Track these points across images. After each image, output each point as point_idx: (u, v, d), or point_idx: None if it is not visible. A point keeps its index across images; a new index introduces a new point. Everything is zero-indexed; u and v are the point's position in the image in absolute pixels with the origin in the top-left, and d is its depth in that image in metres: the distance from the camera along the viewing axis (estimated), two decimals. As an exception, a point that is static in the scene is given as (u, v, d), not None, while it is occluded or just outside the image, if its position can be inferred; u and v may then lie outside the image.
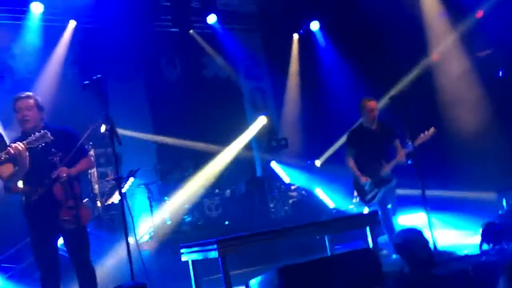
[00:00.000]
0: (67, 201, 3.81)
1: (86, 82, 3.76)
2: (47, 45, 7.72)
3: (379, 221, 3.93)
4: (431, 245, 3.65)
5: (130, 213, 3.73)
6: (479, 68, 7.63)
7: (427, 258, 3.02)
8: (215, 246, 3.25)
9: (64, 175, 3.79)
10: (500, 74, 7.55)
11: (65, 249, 4.16)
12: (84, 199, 6.53)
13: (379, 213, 5.43)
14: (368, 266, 3.19)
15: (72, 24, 7.99)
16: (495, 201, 4.94)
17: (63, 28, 7.96)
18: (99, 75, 3.74)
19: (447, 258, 3.99)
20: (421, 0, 8.21)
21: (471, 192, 6.46)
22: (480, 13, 7.72)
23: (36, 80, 7.55)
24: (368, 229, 3.71)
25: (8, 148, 3.47)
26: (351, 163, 5.65)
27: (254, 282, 3.30)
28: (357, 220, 4.01)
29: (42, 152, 3.76)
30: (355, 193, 8.16)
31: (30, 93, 4.08)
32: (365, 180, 5.52)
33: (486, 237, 4.00)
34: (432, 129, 5.36)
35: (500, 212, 4.71)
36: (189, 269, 3.89)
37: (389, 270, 3.27)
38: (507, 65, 7.30)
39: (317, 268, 3.18)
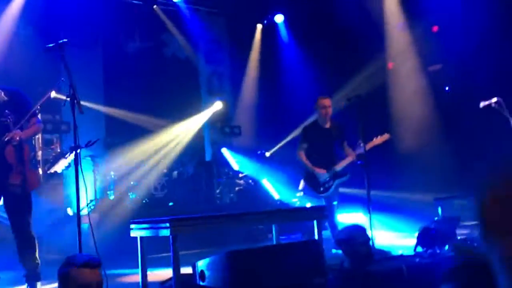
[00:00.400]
0: (17, 166, 3.68)
1: (50, 45, 3.61)
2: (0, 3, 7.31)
3: (326, 215, 4.09)
4: (371, 243, 3.85)
5: (84, 185, 3.63)
6: (430, 82, 8.01)
7: (367, 255, 3.18)
8: (167, 224, 3.26)
9: (17, 138, 3.66)
10: (447, 89, 7.98)
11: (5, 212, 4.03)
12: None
13: (327, 207, 5.65)
14: (313, 257, 3.32)
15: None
16: (432, 207, 5.25)
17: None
18: (65, 39, 3.60)
19: (383, 256, 4.21)
20: (384, 7, 8.48)
21: (411, 194, 6.82)
22: (435, 28, 8.10)
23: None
24: (315, 222, 3.85)
25: None
26: (302, 156, 5.79)
27: (201, 263, 3.34)
28: (306, 213, 4.14)
29: None
30: (300, 186, 8.38)
31: None
32: (321, 172, 5.64)
33: (421, 240, 4.25)
34: (386, 135, 5.61)
35: (435, 218, 5.01)
36: (130, 245, 3.88)
37: (330, 263, 3.42)
38: (455, 81, 7.72)
39: (264, 255, 3.27)
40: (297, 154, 5.87)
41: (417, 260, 4.00)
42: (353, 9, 7.98)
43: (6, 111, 3.69)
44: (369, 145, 5.47)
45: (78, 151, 3.70)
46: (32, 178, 3.80)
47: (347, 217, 6.56)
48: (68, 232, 5.48)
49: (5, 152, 3.68)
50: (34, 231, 4.00)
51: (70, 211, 6.89)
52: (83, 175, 3.43)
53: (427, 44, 8.13)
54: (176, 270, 3.23)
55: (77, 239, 3.39)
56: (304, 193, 6.50)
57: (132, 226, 3.68)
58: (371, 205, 4.91)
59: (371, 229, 4.87)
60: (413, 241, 4.47)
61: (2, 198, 3.93)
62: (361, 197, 5.36)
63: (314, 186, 5.76)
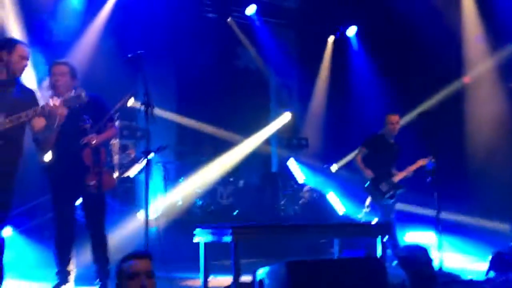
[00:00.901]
0: (94, 167, 3.91)
1: (129, 55, 3.84)
2: (88, 12, 7.84)
3: (391, 233, 3.98)
4: (435, 265, 3.68)
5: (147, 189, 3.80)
6: (510, 98, 7.56)
7: (429, 276, 3.07)
8: (230, 231, 3.33)
9: (94, 142, 3.90)
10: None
11: (82, 213, 4.29)
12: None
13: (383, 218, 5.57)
14: (374, 274, 3.24)
15: (111, -4, 8.10)
16: (508, 232, 4.94)
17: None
18: (141, 51, 3.82)
19: (451, 279, 4.02)
20: (463, 19, 8.13)
21: (485, 220, 6.45)
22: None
23: (71, 45, 7.70)
24: (379, 238, 3.76)
25: (46, 103, 3.57)
26: (359, 159, 5.93)
27: (261, 271, 3.37)
28: (370, 229, 4.06)
29: (74, 117, 3.87)
30: (367, 203, 8.20)
31: (67, 60, 4.20)
32: (369, 175, 5.79)
33: (493, 265, 4.01)
34: (429, 157, 5.49)
35: (511, 243, 4.71)
36: (194, 250, 3.98)
37: (391, 281, 3.32)
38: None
39: (324, 268, 3.24)
40: (355, 157, 6.02)
41: (487, 286, 3.77)
42: (427, 20, 7.74)
43: (85, 116, 3.93)
44: (413, 167, 5.64)
45: (150, 155, 3.92)
46: (107, 180, 4.02)
47: (417, 236, 6.34)
48: (137, 235, 5.73)
49: (83, 154, 3.93)
50: (106, 230, 4.23)
51: (140, 215, 7.20)
52: (147, 181, 3.55)
53: (509, 60, 7.71)
54: (236, 277, 3.28)
55: (145, 242, 3.53)
56: (371, 209, 6.41)
57: (196, 231, 3.78)
58: (440, 225, 4.71)
59: (439, 251, 4.68)
60: (485, 266, 4.22)
61: (80, 197, 4.20)
62: (431, 217, 5.16)
63: (376, 193, 5.82)
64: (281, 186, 8.41)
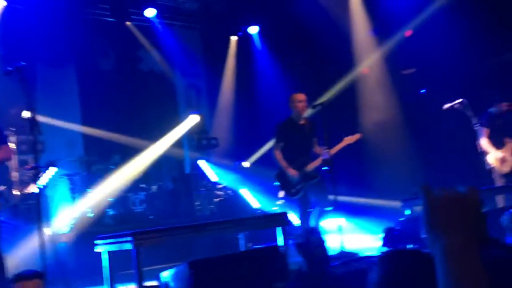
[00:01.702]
0: None
1: (9, 68, 3.70)
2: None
3: (289, 222, 4.17)
4: (328, 246, 3.92)
5: (44, 204, 3.69)
6: (402, 85, 8.18)
7: (322, 257, 3.28)
8: (130, 238, 3.32)
9: None
10: (423, 91, 8.14)
11: None
12: (0, 186, 6.32)
13: (299, 209, 5.58)
14: (274, 263, 3.40)
15: (1, 3, 7.66)
16: (399, 208, 5.36)
17: (-10, 8, 7.61)
18: (23, 62, 3.69)
19: (350, 258, 4.31)
20: (351, 15, 8.68)
21: (380, 200, 6.93)
22: (409, 32, 8.28)
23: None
24: (279, 229, 3.93)
25: None
26: (278, 155, 5.75)
27: (166, 274, 3.41)
28: (268, 220, 4.22)
29: None
30: (281, 194, 8.43)
31: None
32: (293, 174, 5.60)
33: (386, 241, 4.35)
34: (357, 134, 5.70)
35: (400, 219, 5.12)
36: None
37: (292, 268, 3.51)
38: (429, 84, 7.89)
39: (226, 263, 3.35)
40: (274, 153, 5.82)
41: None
42: (321, 17, 8.16)
43: None
44: (340, 145, 5.55)
45: (52, 171, 3.78)
46: None
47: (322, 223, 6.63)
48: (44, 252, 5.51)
49: None
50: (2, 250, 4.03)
51: (48, 231, 6.90)
52: (38, 199, 3.44)
53: (398, 49, 8.32)
54: (139, 283, 3.29)
55: (41, 257, 3.43)
56: (286, 201, 6.50)
57: (98, 241, 3.73)
58: (340, 210, 5.01)
59: (340, 233, 4.98)
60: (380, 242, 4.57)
61: None
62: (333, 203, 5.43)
63: (286, 187, 5.72)
64: (194, 187, 8.44)
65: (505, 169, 5.80)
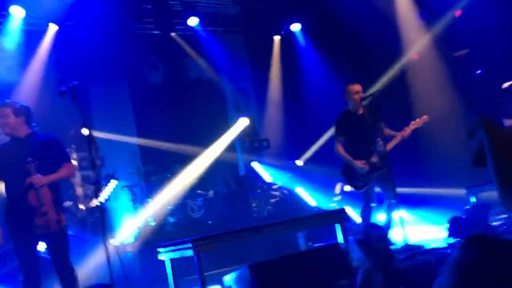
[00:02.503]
0: (41, 208, 3.94)
1: (63, 88, 3.87)
2: (28, 49, 7.77)
3: (348, 218, 4.07)
4: (390, 239, 3.81)
5: (108, 216, 3.84)
6: (456, 68, 7.84)
7: (385, 251, 3.18)
8: (190, 245, 3.38)
9: (37, 182, 3.91)
10: (479, 73, 7.77)
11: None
12: (66, 202, 6.63)
13: (363, 203, 5.34)
14: (335, 260, 3.35)
15: (53, 28, 8.04)
16: (464, 196, 5.13)
17: (43, 32, 8.00)
18: (75, 82, 3.86)
19: (416, 251, 4.17)
20: (395, 2, 8.42)
21: (442, 189, 6.64)
22: (458, 12, 7.92)
23: (18, 84, 7.62)
24: (338, 226, 3.86)
25: None
26: (340, 150, 5.46)
27: (228, 278, 3.44)
28: (327, 217, 4.14)
29: (19, 161, 3.89)
30: (337, 190, 8.29)
31: (7, 101, 4.23)
32: (360, 165, 5.30)
33: (452, 231, 4.17)
34: (425, 117, 5.44)
35: (466, 207, 4.90)
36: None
37: (356, 265, 3.43)
38: (484, 65, 7.52)
39: (287, 264, 3.33)
40: (336, 149, 5.51)
41: (449, 251, 3.93)
42: (364, 8, 7.98)
43: (29, 158, 3.95)
44: (410, 129, 5.32)
45: (113, 183, 3.92)
46: (54, 217, 4.03)
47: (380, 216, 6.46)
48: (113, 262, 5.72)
49: (28, 196, 3.96)
50: (75, 263, 4.23)
51: (113, 241, 7.16)
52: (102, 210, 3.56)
53: (449, 31, 7.99)
54: (203, 287, 3.33)
55: (108, 268, 3.55)
56: (343, 196, 6.33)
57: (160, 249, 3.82)
58: (400, 202, 4.85)
59: (402, 226, 4.83)
60: (446, 233, 4.39)
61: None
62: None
63: (352, 181, 5.40)
64: (250, 189, 8.49)
65: None
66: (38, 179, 3.93)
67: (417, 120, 5.46)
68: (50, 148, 4.19)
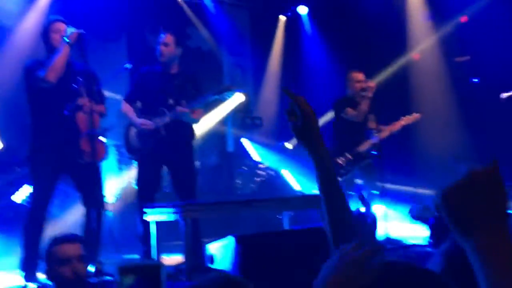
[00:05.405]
0: (89, 133, 3.64)
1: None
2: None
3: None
4: (378, 233, 3.85)
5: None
6: (455, 73, 7.88)
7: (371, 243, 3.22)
8: (180, 208, 3.37)
9: (88, 105, 3.66)
10: (476, 81, 7.82)
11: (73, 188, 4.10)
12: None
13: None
14: (320, 245, 3.37)
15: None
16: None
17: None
18: (81, 30, 3.76)
19: (396, 246, 4.23)
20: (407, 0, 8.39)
21: (430, 189, 6.74)
22: (464, 18, 7.93)
23: (16, 28, 7.45)
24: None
25: None
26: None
27: (212, 247, 3.45)
28: (314, 200, 4.16)
29: (67, 76, 3.68)
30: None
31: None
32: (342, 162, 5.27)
33: (433, 229, 4.24)
34: (416, 115, 5.44)
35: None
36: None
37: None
38: (482, 73, 7.56)
39: (273, 240, 3.35)
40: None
41: (429, 249, 4.00)
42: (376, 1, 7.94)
43: (78, 77, 3.72)
44: (398, 124, 5.26)
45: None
46: (101, 148, 3.85)
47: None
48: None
49: (77, 117, 3.67)
50: (56, 216, 4.16)
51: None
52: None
53: (453, 35, 8.00)
54: (188, 254, 3.34)
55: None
56: None
57: (146, 210, 3.81)
58: (386, 197, 4.91)
59: (386, 220, 4.89)
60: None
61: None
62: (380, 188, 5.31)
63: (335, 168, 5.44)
64: (236, 165, 8.48)
65: None
66: (88, 102, 3.69)
67: (409, 116, 5.46)
68: (94, 79, 4.03)
